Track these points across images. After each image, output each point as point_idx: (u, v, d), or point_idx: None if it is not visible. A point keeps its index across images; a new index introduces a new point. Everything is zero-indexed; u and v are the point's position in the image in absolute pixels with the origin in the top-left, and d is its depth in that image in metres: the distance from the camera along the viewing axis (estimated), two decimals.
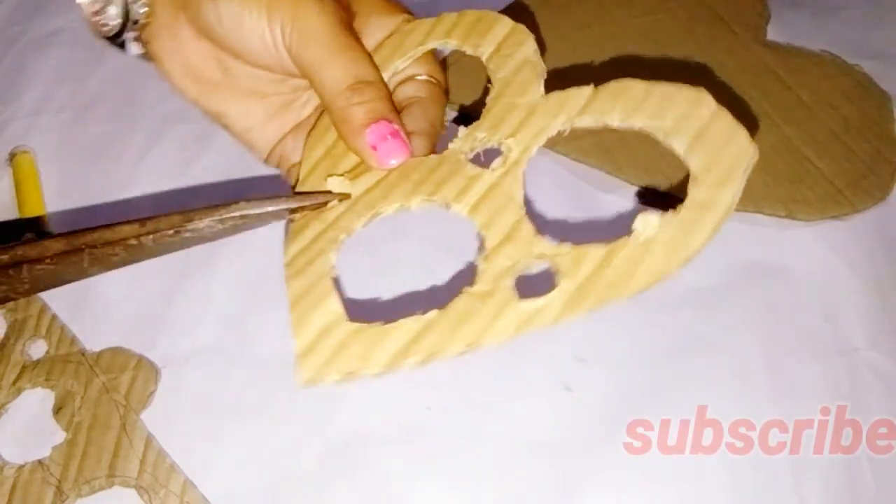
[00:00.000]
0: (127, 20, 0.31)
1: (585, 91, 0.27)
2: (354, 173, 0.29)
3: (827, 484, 0.29)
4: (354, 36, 0.29)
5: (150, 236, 0.27)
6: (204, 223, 0.27)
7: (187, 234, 0.27)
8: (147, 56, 0.32)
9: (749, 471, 0.30)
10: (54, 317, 0.36)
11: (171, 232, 0.27)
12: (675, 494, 0.30)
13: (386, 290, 0.35)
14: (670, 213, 0.24)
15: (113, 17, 0.31)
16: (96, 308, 0.36)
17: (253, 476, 0.31)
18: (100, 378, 0.33)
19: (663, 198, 0.37)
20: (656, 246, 0.24)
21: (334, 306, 0.26)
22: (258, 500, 0.30)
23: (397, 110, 0.29)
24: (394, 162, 0.28)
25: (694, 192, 0.24)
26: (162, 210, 0.27)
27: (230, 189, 0.40)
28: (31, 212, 0.39)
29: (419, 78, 0.31)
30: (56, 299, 0.36)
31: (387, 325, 0.25)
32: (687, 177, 0.24)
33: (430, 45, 0.31)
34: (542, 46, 0.30)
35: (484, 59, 0.30)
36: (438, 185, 0.28)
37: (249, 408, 0.32)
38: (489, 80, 0.30)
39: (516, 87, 0.29)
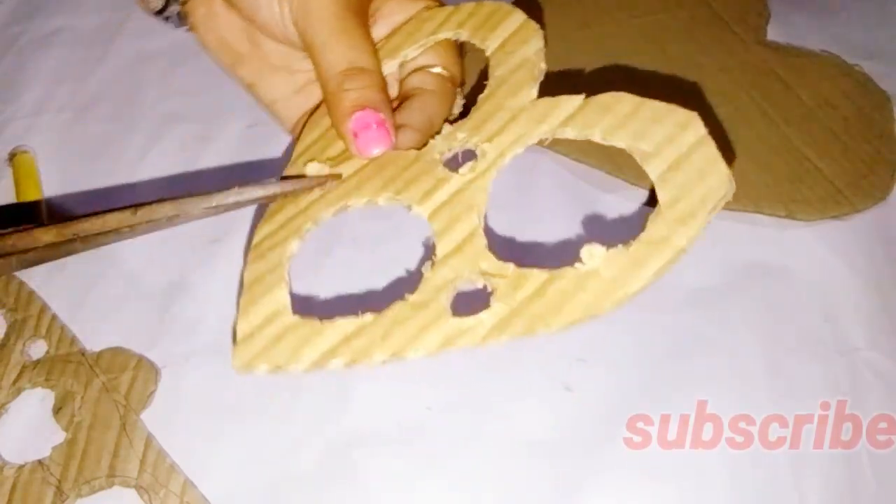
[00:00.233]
0: None
1: (575, 101, 0.26)
2: (339, 160, 0.29)
3: (827, 482, 0.29)
4: (359, 19, 0.29)
5: (142, 225, 0.27)
6: (197, 211, 0.27)
7: (179, 221, 0.27)
8: (189, 28, 0.33)
9: (749, 469, 0.30)
10: (54, 317, 0.35)
11: (163, 220, 0.27)
12: (675, 493, 0.30)
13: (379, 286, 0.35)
14: (619, 247, 0.23)
15: None
16: (96, 308, 0.36)
17: (253, 476, 0.31)
18: (100, 378, 0.33)
19: None
20: (594, 282, 0.23)
21: (281, 297, 0.26)
22: (258, 500, 0.30)
23: (390, 100, 0.29)
24: (375, 151, 0.28)
25: (651, 227, 0.23)
26: None
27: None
28: None
29: (432, 70, 0.30)
30: (56, 299, 0.36)
31: (323, 323, 0.25)
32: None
33: (442, 35, 0.30)
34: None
35: (487, 53, 0.29)
36: (407, 184, 0.27)
37: (249, 408, 0.32)
38: (486, 76, 0.29)
39: (508, 88, 0.28)
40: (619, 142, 0.25)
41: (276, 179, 0.29)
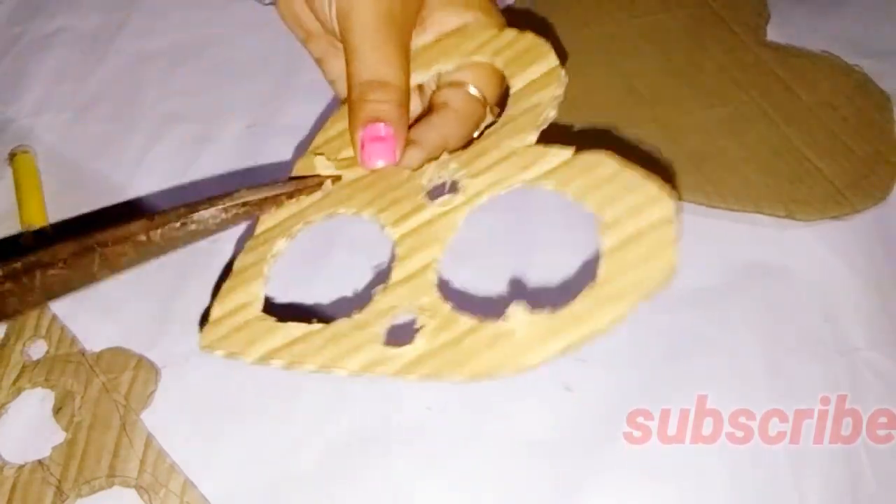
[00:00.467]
0: None
1: (562, 154, 0.26)
2: (348, 163, 0.30)
3: (827, 482, 0.30)
4: (398, 30, 0.29)
5: (158, 231, 0.27)
6: (209, 213, 0.28)
7: (192, 227, 0.28)
8: (273, 3, 0.35)
9: (749, 469, 0.30)
10: (54, 317, 0.36)
11: (177, 224, 0.27)
12: (675, 493, 0.30)
13: None
14: (545, 313, 0.23)
15: None
16: (96, 308, 0.36)
17: (253, 476, 0.31)
18: (100, 378, 0.33)
19: None
20: (504, 343, 0.23)
21: (255, 290, 0.27)
22: (258, 500, 0.30)
23: (407, 118, 0.29)
24: (379, 164, 0.29)
25: (578, 300, 0.23)
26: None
27: (230, 188, 0.40)
28: (31, 212, 0.39)
29: (470, 90, 0.30)
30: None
31: (278, 323, 0.26)
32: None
33: (477, 58, 0.30)
34: None
35: (512, 91, 0.29)
36: (388, 205, 0.28)
37: (249, 408, 0.32)
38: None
39: (511, 128, 0.28)
40: (588, 205, 0.24)
41: (284, 179, 0.30)
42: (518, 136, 0.28)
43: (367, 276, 0.34)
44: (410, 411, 0.32)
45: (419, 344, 0.24)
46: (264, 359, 0.25)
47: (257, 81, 0.45)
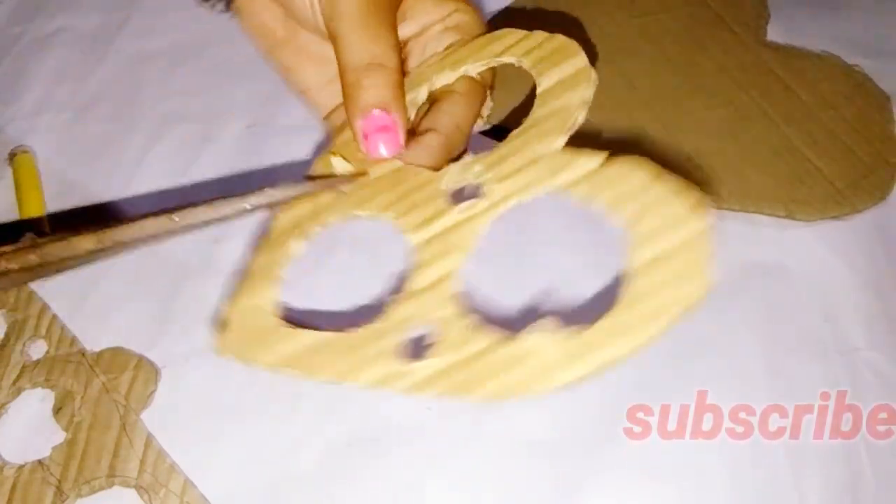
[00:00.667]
0: None
1: (593, 161, 0.25)
2: (368, 163, 0.29)
3: (827, 481, 0.29)
4: (385, 15, 0.29)
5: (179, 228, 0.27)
6: (232, 211, 0.27)
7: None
8: (233, 12, 0.34)
9: (749, 468, 0.30)
10: (54, 317, 0.36)
11: (199, 224, 0.27)
12: (675, 493, 0.30)
13: None
14: (571, 332, 0.22)
15: None
16: (96, 308, 0.36)
17: (253, 476, 0.31)
18: (100, 378, 0.33)
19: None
20: (525, 364, 0.22)
21: (269, 293, 0.27)
22: (258, 500, 0.30)
23: (404, 100, 0.29)
24: (384, 153, 0.28)
25: (607, 319, 0.22)
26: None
27: (231, 188, 0.40)
28: (31, 212, 0.39)
29: (470, 72, 0.30)
30: (56, 299, 0.36)
31: (291, 330, 0.25)
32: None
33: (506, 58, 0.30)
34: None
35: (539, 90, 0.28)
36: (409, 209, 0.27)
37: (249, 408, 0.32)
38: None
39: (539, 132, 0.27)
40: (620, 216, 0.23)
41: (304, 179, 0.29)
42: (545, 140, 0.27)
43: (384, 282, 0.33)
44: (410, 411, 0.32)
45: (432, 361, 0.23)
46: (274, 367, 0.25)
47: (257, 81, 0.45)
